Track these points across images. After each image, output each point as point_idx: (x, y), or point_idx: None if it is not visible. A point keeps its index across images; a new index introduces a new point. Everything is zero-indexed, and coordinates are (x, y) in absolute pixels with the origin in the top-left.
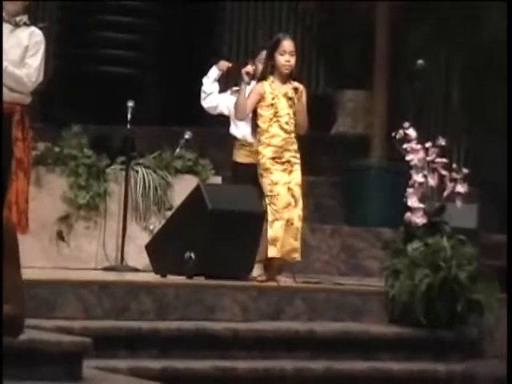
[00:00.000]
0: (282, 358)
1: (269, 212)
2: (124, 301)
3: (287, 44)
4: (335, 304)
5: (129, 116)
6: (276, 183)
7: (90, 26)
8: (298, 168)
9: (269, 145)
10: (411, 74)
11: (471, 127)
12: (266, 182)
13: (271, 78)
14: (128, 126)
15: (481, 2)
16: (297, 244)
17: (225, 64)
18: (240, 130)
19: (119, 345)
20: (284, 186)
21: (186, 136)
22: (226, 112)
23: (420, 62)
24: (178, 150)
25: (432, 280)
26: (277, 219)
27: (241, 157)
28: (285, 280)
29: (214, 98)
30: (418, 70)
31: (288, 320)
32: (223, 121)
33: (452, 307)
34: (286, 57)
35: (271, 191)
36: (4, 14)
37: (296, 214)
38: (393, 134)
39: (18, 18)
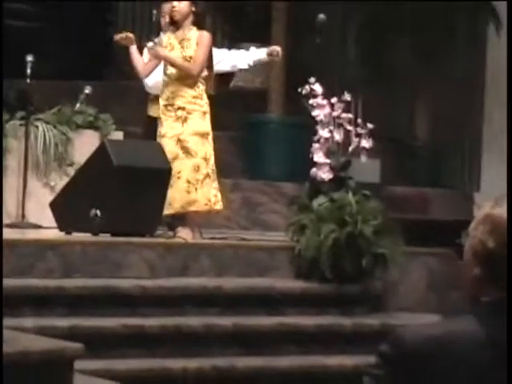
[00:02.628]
0: (190, 314)
1: None
2: (30, 259)
3: None
4: (242, 260)
5: (28, 70)
6: (163, 135)
7: None
8: (195, 116)
9: (163, 93)
10: (311, 28)
11: (370, 81)
12: (157, 133)
13: (171, 27)
14: (28, 80)
15: None
16: (193, 196)
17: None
18: (149, 81)
19: (25, 304)
20: (172, 138)
21: (86, 91)
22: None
23: (321, 16)
24: (78, 104)
25: (338, 235)
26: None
27: (153, 110)
28: (185, 233)
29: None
30: (319, 25)
31: (196, 276)
32: (124, 74)
33: (358, 262)
34: (173, 3)
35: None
36: None
37: (187, 165)
38: (299, 90)
39: None
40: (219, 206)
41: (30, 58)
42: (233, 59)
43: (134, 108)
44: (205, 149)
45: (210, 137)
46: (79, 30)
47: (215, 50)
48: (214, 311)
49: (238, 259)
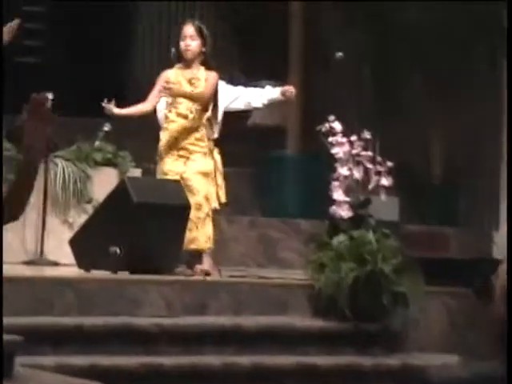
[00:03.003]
0: (208, 353)
1: None
2: (48, 296)
3: (186, 28)
4: (260, 297)
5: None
6: (166, 173)
7: None
8: (198, 157)
9: (166, 129)
10: (327, 64)
11: (386, 117)
12: (158, 170)
13: (178, 65)
14: None
15: None
16: (194, 234)
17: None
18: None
19: (44, 342)
20: (176, 176)
21: (105, 128)
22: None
23: (339, 54)
24: (97, 142)
25: (358, 273)
26: None
27: None
28: (201, 270)
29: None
30: (336, 62)
31: (213, 314)
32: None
33: (377, 300)
34: (187, 41)
35: None
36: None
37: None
38: (318, 128)
39: None
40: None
41: (50, 96)
42: (248, 97)
43: (150, 145)
44: (207, 188)
45: (212, 176)
46: (96, 68)
47: (232, 88)
48: (232, 349)
49: (256, 297)
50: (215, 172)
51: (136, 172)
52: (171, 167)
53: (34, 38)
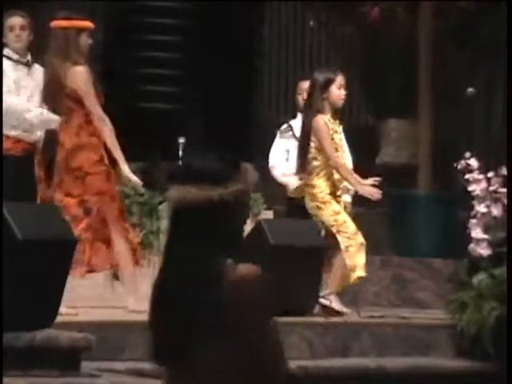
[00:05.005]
0: None
1: (341, 240)
2: None
3: (341, 78)
4: (402, 338)
5: (180, 152)
6: (338, 212)
7: (129, 63)
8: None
9: (328, 179)
10: (457, 101)
11: None
12: (326, 213)
13: (323, 115)
14: (180, 162)
15: None
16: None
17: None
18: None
19: None
20: (345, 214)
21: None
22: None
23: (470, 89)
24: None
25: (500, 312)
26: (351, 245)
27: (294, 192)
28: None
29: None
30: (468, 99)
31: (356, 356)
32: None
33: None
34: (342, 91)
35: (336, 220)
36: (9, 52)
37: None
38: (455, 165)
39: (28, 57)
40: None
41: (181, 140)
42: None
43: (277, 187)
44: None
45: None
46: (224, 112)
47: None
48: None
49: (398, 338)
50: None
51: (268, 214)
52: (339, 207)
53: (167, 84)
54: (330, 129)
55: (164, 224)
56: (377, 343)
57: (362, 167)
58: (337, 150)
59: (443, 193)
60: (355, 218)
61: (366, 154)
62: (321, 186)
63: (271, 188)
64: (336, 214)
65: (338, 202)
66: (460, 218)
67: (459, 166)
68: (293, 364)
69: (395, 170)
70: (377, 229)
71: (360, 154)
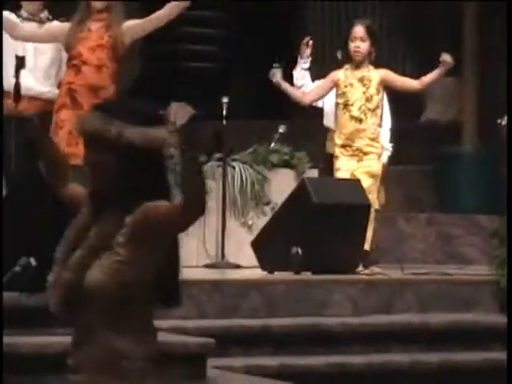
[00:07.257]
0: (396, 351)
1: None
2: (234, 299)
3: (357, 30)
4: (446, 295)
5: (224, 112)
6: (338, 169)
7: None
8: (372, 157)
9: (341, 133)
10: (503, 56)
11: None
12: (334, 168)
13: (346, 65)
14: (224, 121)
15: None
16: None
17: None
18: (326, 119)
19: (232, 343)
20: (347, 171)
21: (281, 130)
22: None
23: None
24: (273, 143)
25: None
26: None
27: (330, 147)
28: (376, 271)
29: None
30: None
31: (399, 313)
32: (313, 113)
33: None
34: (356, 43)
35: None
36: (25, 11)
37: None
38: (498, 121)
39: (42, 15)
40: None
41: (225, 100)
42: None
43: (323, 146)
44: (373, 189)
45: (378, 178)
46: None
47: None
48: (420, 348)
49: (441, 294)
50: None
51: (313, 172)
52: (344, 165)
53: (210, 43)
54: (342, 82)
55: (208, 183)
56: (420, 300)
57: (407, 124)
58: (346, 105)
59: (488, 149)
60: (400, 175)
61: (411, 112)
62: (334, 139)
63: (317, 146)
64: (336, 171)
65: (353, 157)
66: (504, 174)
67: (503, 122)
68: (337, 321)
69: (440, 128)
70: (422, 186)
71: (406, 111)
